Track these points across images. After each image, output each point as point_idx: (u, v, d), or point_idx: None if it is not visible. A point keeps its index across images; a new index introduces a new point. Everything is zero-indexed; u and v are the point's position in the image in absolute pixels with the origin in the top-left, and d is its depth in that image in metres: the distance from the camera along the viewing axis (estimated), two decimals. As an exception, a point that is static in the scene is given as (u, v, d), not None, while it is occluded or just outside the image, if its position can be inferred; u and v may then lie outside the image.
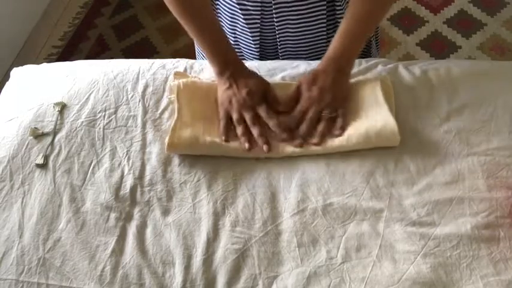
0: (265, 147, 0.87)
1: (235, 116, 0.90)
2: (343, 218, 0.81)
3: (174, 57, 1.05)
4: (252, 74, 0.95)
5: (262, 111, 0.89)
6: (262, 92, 0.91)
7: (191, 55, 1.26)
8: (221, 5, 1.06)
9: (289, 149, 0.88)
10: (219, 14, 1.08)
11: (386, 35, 2.15)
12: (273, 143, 0.89)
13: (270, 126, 0.89)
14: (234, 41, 1.11)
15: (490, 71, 1.00)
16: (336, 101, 0.91)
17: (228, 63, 0.94)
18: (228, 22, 1.07)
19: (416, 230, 0.79)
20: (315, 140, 0.88)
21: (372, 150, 0.88)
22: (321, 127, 0.89)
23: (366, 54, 1.16)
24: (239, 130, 0.89)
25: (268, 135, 0.89)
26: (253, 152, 0.88)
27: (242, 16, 1.03)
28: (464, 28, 2.16)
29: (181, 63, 1.03)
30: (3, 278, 0.78)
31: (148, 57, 1.08)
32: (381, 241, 0.78)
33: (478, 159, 0.85)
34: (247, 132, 0.89)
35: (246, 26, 1.05)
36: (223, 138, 0.89)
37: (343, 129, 0.89)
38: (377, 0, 0.92)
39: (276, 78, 0.99)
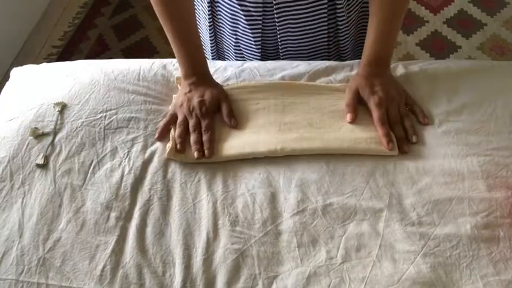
0: (196, 154, 0.88)
1: (179, 118, 0.93)
2: (343, 218, 0.81)
3: (174, 57, 1.05)
4: (213, 85, 0.97)
5: (202, 123, 0.92)
6: (215, 103, 0.94)
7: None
8: (222, 6, 1.05)
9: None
10: (219, 15, 1.08)
11: (386, 35, 2.14)
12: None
13: (191, 139, 0.91)
14: (235, 42, 1.11)
15: (490, 71, 1.00)
16: (401, 94, 0.93)
17: (196, 70, 0.96)
18: (229, 23, 1.07)
19: (416, 229, 0.79)
20: (413, 139, 0.89)
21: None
22: (407, 123, 0.90)
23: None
24: (177, 132, 0.92)
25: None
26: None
27: (244, 17, 1.03)
28: (464, 28, 2.16)
29: (181, 63, 1.03)
30: (3, 278, 0.78)
31: (148, 57, 1.08)
32: (380, 241, 0.78)
33: (478, 159, 0.85)
34: (183, 135, 0.91)
35: (247, 26, 1.05)
36: (157, 135, 0.92)
37: (425, 116, 0.91)
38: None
39: (275, 78, 0.99)
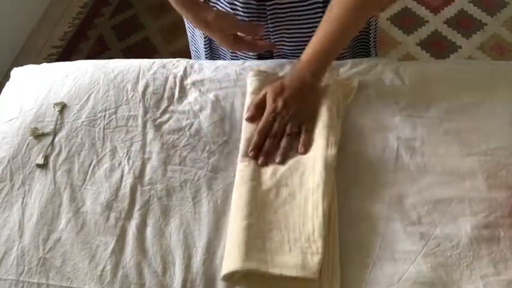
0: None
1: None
2: (343, 218, 0.81)
3: (174, 57, 1.05)
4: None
5: None
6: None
7: (191, 55, 1.27)
8: None
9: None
10: None
11: (387, 35, 2.14)
12: None
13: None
14: (232, 51, 1.11)
15: (490, 71, 1.00)
16: (301, 114, 0.88)
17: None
18: None
19: (416, 229, 0.79)
20: (277, 159, 0.85)
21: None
22: (283, 143, 0.86)
23: (364, 54, 1.16)
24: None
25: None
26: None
27: None
28: (464, 28, 2.15)
29: (181, 63, 1.03)
30: (4, 278, 0.78)
31: (148, 57, 1.08)
32: (381, 241, 0.78)
33: (478, 159, 0.85)
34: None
35: None
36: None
37: (305, 146, 0.85)
38: (354, 8, 0.86)
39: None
